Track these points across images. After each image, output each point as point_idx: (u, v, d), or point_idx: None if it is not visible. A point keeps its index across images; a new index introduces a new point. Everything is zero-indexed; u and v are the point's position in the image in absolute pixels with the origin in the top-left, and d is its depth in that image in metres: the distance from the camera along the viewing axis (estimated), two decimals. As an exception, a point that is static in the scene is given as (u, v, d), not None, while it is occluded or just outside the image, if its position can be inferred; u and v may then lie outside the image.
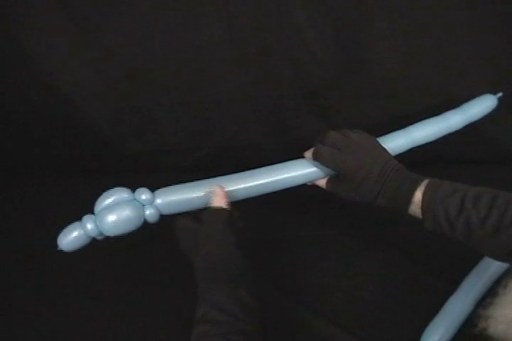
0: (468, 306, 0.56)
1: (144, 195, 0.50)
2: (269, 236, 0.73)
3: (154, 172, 0.89)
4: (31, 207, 0.82)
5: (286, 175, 0.55)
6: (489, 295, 0.34)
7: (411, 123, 0.80)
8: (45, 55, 0.71)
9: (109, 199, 0.49)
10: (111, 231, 0.48)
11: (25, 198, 0.85)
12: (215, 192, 0.51)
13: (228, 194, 0.52)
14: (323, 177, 0.56)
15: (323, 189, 0.56)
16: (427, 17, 0.68)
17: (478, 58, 0.72)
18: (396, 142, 0.60)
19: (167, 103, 0.78)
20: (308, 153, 0.56)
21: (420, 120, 0.78)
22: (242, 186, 0.53)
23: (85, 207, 0.67)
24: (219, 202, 0.50)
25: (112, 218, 0.47)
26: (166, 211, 0.51)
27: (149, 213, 0.49)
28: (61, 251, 0.49)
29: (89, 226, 0.48)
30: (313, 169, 0.55)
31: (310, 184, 0.58)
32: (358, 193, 0.52)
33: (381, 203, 0.52)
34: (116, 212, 0.47)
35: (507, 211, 0.44)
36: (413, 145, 0.62)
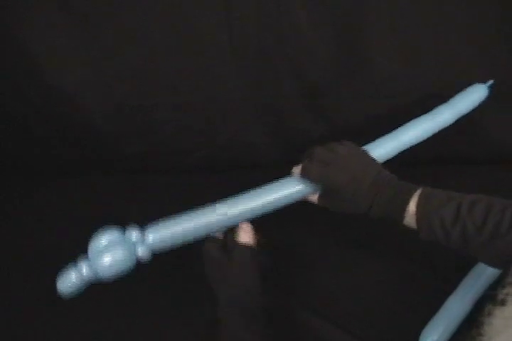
0: (467, 306, 0.56)
1: (134, 233, 0.49)
2: (267, 235, 0.73)
3: (154, 172, 0.89)
4: (31, 206, 0.82)
5: (276, 196, 0.54)
6: (474, 325, 0.33)
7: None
8: (45, 55, 0.71)
9: (101, 240, 0.49)
10: (105, 274, 0.48)
11: (25, 198, 0.85)
12: (242, 227, 0.53)
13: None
14: (314, 193, 0.56)
15: (315, 204, 0.56)
16: (427, 17, 0.68)
17: (478, 58, 0.72)
18: (385, 147, 0.59)
19: (167, 103, 0.78)
20: (297, 170, 0.55)
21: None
22: (233, 213, 0.52)
23: (85, 207, 0.67)
24: (246, 237, 0.52)
25: (106, 260, 0.47)
26: (159, 248, 0.51)
27: (141, 252, 0.49)
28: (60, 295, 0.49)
29: (85, 270, 0.48)
30: (303, 186, 0.55)
31: (303, 200, 0.57)
32: (350, 207, 0.52)
33: (375, 215, 0.52)
34: (109, 254, 0.47)
35: (503, 218, 0.44)
36: (404, 148, 0.61)
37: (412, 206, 0.49)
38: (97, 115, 0.80)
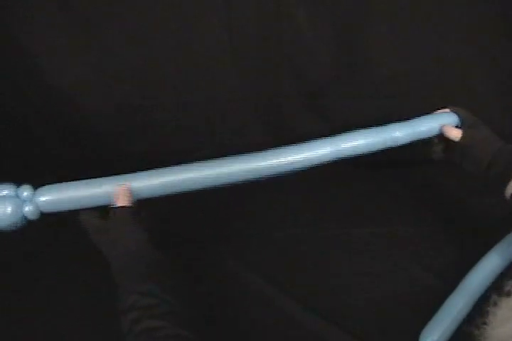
0: (467, 305, 0.56)
1: (25, 191, 0.50)
2: (267, 235, 0.73)
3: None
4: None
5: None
6: (479, 315, 0.33)
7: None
8: (45, 55, 0.71)
9: None
10: None
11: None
12: (118, 191, 0.52)
13: (132, 192, 0.53)
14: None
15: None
16: (427, 17, 0.68)
17: (478, 58, 0.72)
18: (320, 151, 0.57)
19: (167, 103, 0.78)
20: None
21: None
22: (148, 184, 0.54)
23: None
24: (123, 201, 0.52)
25: None
26: (47, 209, 0.51)
27: (28, 210, 0.50)
28: None
29: None
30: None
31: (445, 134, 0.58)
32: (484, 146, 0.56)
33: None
34: None
35: None
36: (339, 156, 0.58)
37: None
38: (97, 115, 0.80)
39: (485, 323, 0.33)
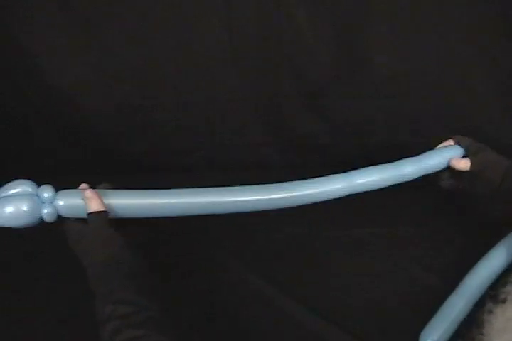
0: (467, 306, 0.56)
1: (46, 192, 0.49)
2: (267, 235, 0.73)
3: (154, 172, 0.89)
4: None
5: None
6: (474, 324, 0.33)
7: (411, 123, 0.80)
8: (45, 55, 0.71)
9: (12, 190, 0.49)
10: (4, 222, 0.48)
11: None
12: (88, 196, 0.50)
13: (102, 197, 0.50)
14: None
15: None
16: (427, 17, 0.68)
17: (478, 58, 0.72)
18: (334, 185, 0.57)
19: (167, 103, 0.78)
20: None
21: (420, 120, 0.79)
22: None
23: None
24: (96, 205, 0.49)
25: (7, 209, 0.47)
26: (66, 213, 0.50)
27: (47, 212, 0.49)
28: None
29: None
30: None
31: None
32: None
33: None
34: (14, 204, 0.47)
35: None
36: (353, 192, 0.59)
37: None
38: (97, 115, 0.80)
39: (482, 334, 0.33)
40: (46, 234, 0.73)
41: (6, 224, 0.48)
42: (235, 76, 0.75)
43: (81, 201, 0.50)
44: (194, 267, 0.67)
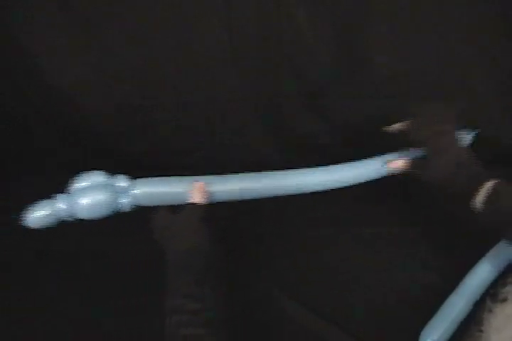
0: (467, 306, 0.56)
1: (121, 182, 0.49)
2: (267, 233, 0.73)
3: (154, 172, 0.89)
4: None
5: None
6: (473, 322, 0.33)
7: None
8: (45, 55, 0.71)
9: (86, 181, 0.48)
10: (82, 215, 0.47)
11: (25, 198, 0.85)
12: (195, 187, 0.51)
13: (209, 192, 0.52)
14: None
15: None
16: (426, 17, 0.68)
17: (478, 58, 0.72)
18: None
19: (167, 103, 0.78)
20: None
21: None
22: (230, 188, 0.53)
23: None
24: (198, 198, 0.51)
25: (85, 201, 0.47)
26: (143, 202, 0.50)
27: (123, 202, 0.49)
28: (26, 225, 0.48)
29: (62, 206, 0.47)
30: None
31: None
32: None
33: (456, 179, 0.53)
34: (91, 195, 0.47)
35: None
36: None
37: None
38: (97, 115, 0.80)
39: (481, 331, 0.33)
40: (47, 234, 0.73)
41: (85, 216, 0.48)
42: (235, 76, 0.75)
43: (155, 189, 0.50)
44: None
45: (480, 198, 0.50)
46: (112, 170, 0.87)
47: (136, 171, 0.88)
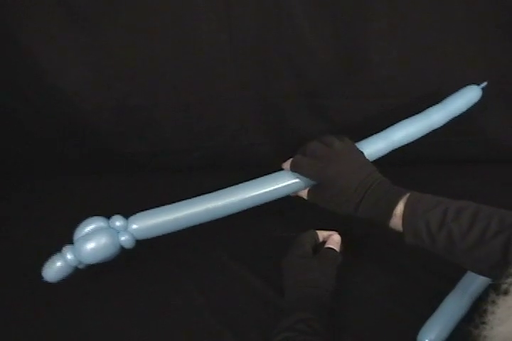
0: (466, 304, 0.56)
1: (118, 221, 0.51)
2: (267, 235, 0.73)
3: (154, 172, 0.89)
4: (31, 206, 0.82)
5: (267, 189, 0.55)
6: (478, 314, 0.33)
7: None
8: (45, 55, 0.71)
9: (86, 228, 0.51)
10: (89, 260, 0.50)
11: (25, 198, 0.85)
12: (333, 237, 0.61)
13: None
14: (305, 188, 0.56)
15: (306, 199, 0.57)
16: (426, 17, 0.68)
17: (478, 58, 0.72)
18: (375, 146, 0.60)
19: (167, 103, 0.78)
20: (286, 164, 0.56)
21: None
22: (222, 203, 0.54)
23: (85, 207, 0.67)
24: (335, 244, 0.60)
25: (89, 246, 0.50)
26: (141, 236, 0.53)
27: (125, 239, 0.51)
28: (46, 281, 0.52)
29: (69, 256, 0.50)
30: (294, 180, 0.55)
31: (293, 195, 0.58)
32: (337, 204, 0.52)
33: (361, 215, 0.52)
34: (93, 240, 0.50)
35: (489, 225, 0.43)
36: (393, 148, 0.61)
37: (399, 209, 0.49)
38: (97, 115, 0.80)
39: (484, 323, 0.33)
40: (47, 234, 0.73)
41: (93, 261, 0.51)
42: (235, 76, 0.75)
43: (152, 221, 0.52)
44: (193, 268, 0.67)
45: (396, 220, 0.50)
46: (112, 170, 0.88)
47: (136, 171, 0.89)
